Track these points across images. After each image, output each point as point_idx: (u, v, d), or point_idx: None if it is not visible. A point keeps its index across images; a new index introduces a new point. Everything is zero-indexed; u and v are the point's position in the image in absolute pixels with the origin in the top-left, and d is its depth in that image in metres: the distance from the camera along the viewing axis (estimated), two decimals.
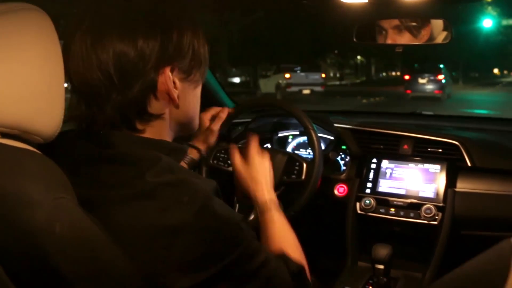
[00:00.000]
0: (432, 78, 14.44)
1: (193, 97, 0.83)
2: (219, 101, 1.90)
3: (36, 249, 0.58)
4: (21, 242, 0.59)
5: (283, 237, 1.02)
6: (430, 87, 14.45)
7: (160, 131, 0.78)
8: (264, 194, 1.12)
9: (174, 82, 0.76)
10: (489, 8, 19.49)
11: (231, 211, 0.75)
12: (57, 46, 0.68)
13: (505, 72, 30.43)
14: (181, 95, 0.78)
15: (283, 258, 0.87)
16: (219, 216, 0.70)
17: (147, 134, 0.77)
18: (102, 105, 0.73)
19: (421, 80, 14.52)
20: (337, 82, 26.83)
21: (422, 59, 17.28)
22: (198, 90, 0.84)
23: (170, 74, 0.75)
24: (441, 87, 14.40)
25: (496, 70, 30.70)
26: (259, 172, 1.16)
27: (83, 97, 0.74)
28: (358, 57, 29.25)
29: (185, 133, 0.90)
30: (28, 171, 0.62)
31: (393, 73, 32.45)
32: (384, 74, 32.94)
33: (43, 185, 0.61)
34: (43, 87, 0.65)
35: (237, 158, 1.21)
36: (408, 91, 14.65)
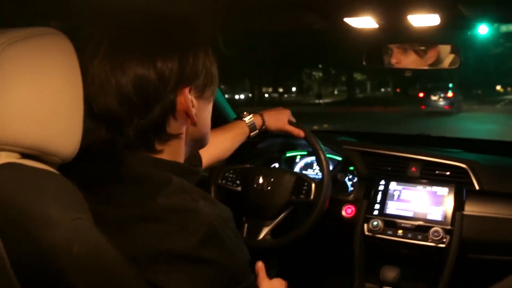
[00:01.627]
0: (442, 95, 16.66)
1: (208, 113, 0.85)
2: (224, 114, 1.93)
3: (53, 267, 0.60)
4: (39, 261, 0.60)
5: None
6: (441, 103, 16.57)
7: (176, 150, 0.80)
8: None
9: (191, 101, 0.77)
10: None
11: (239, 246, 0.73)
12: (77, 69, 0.70)
13: (509, 89, 27.65)
14: (197, 113, 0.80)
15: None
16: (223, 249, 0.69)
17: (164, 154, 0.78)
18: (123, 129, 0.73)
19: (433, 97, 16.80)
20: (316, 101, 24.60)
21: (415, 75, 17.00)
22: (211, 106, 0.86)
23: (188, 94, 0.76)
24: (451, 103, 16.51)
25: (498, 87, 27.93)
26: None
27: (104, 122, 0.74)
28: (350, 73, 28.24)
29: (197, 149, 0.92)
30: (47, 191, 0.63)
31: (383, 90, 30.65)
32: (383, 90, 31.17)
33: (62, 206, 0.62)
34: (63, 110, 0.67)
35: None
36: (423, 107, 16.74)
